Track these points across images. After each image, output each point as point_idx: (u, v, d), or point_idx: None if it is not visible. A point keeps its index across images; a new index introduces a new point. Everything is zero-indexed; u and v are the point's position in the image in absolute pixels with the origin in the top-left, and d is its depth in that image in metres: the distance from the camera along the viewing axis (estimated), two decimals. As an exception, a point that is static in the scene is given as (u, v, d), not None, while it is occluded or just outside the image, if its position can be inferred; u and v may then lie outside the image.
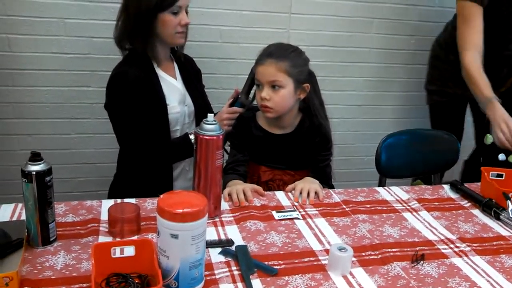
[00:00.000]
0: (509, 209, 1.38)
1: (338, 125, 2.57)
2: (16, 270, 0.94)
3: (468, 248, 1.24)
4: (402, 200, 1.50)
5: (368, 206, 1.45)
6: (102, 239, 1.16)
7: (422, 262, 1.16)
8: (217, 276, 1.04)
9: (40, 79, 2.19)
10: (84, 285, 0.98)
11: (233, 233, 1.23)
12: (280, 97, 1.54)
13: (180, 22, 1.66)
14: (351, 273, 1.09)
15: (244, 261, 1.09)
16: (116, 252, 1.00)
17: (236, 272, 1.06)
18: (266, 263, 1.10)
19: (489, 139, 1.79)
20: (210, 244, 1.15)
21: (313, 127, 1.64)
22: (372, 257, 1.17)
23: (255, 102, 1.65)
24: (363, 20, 2.50)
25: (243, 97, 1.68)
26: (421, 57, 2.42)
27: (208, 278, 1.03)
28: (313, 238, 1.24)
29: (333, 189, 1.56)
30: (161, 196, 0.98)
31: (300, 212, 1.37)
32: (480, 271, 1.14)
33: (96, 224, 1.21)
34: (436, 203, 1.50)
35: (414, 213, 1.42)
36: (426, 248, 1.22)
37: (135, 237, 1.17)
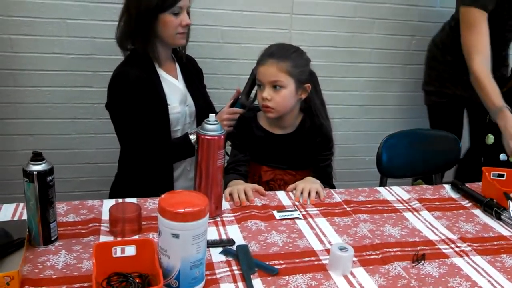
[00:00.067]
0: (510, 209, 1.38)
1: (339, 125, 2.57)
2: (17, 270, 0.94)
3: (469, 248, 1.24)
4: (403, 200, 1.50)
5: (369, 206, 1.45)
6: (103, 238, 1.16)
7: (423, 262, 1.16)
8: (218, 276, 1.05)
9: (42, 79, 2.20)
10: (85, 284, 0.99)
11: (234, 233, 1.23)
12: (282, 97, 1.54)
13: (181, 23, 1.66)
14: (352, 273, 1.09)
15: (245, 261, 1.10)
16: (117, 252, 1.00)
17: (237, 272, 1.06)
18: (267, 262, 1.10)
19: (490, 139, 1.79)
20: (211, 244, 1.15)
21: (314, 127, 1.64)
22: (373, 256, 1.17)
23: (256, 103, 1.66)
24: (364, 21, 2.50)
25: (244, 98, 1.69)
26: (422, 58, 2.41)
27: (209, 277, 1.03)
28: (314, 237, 1.24)
29: (334, 189, 1.56)
30: (162, 195, 0.98)
31: (301, 212, 1.37)
32: (481, 271, 1.14)
33: (97, 224, 1.22)
34: (437, 203, 1.50)
35: (415, 213, 1.42)
36: (427, 248, 1.22)
37: (136, 237, 1.18)
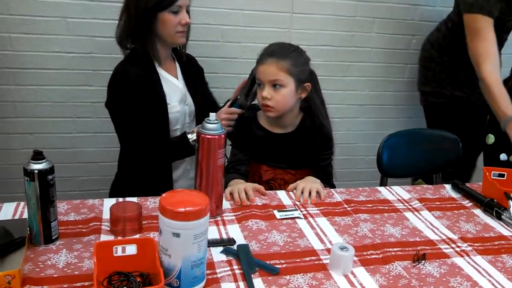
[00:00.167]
0: (511, 209, 1.38)
1: (339, 125, 2.57)
2: (19, 269, 0.94)
3: (469, 248, 1.24)
4: (404, 200, 1.50)
5: (370, 205, 1.45)
6: (104, 237, 1.16)
7: (423, 261, 1.16)
8: (219, 275, 1.05)
9: (42, 78, 2.20)
10: (86, 283, 0.99)
11: (235, 232, 1.23)
12: (281, 96, 1.54)
13: (180, 21, 1.66)
14: (352, 273, 1.09)
15: (246, 260, 1.10)
16: (118, 251, 1.00)
17: (237, 271, 1.07)
18: (268, 262, 1.11)
19: (490, 138, 1.79)
20: (212, 243, 1.15)
21: (314, 126, 1.64)
22: (373, 256, 1.17)
23: (255, 102, 1.66)
24: (364, 20, 2.50)
25: (242, 98, 1.69)
26: (422, 57, 2.42)
27: (210, 277, 1.03)
28: (315, 237, 1.24)
29: (334, 189, 1.56)
30: (163, 194, 0.98)
31: (301, 211, 1.37)
32: (481, 270, 1.14)
33: (98, 223, 1.22)
34: (438, 203, 1.50)
35: (416, 213, 1.42)
36: (427, 247, 1.22)
37: (137, 236, 1.18)
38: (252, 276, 1.05)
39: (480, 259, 1.19)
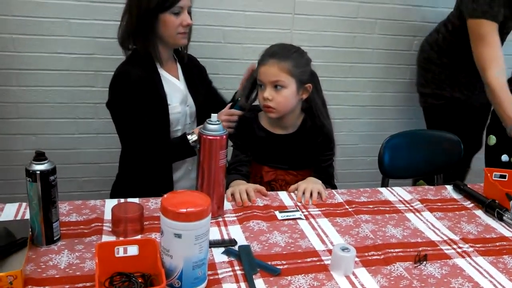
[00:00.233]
0: (512, 210, 1.38)
1: (341, 126, 2.57)
2: (20, 269, 0.95)
3: (471, 249, 1.24)
4: (405, 201, 1.50)
5: (371, 206, 1.45)
6: (106, 238, 1.16)
7: (425, 262, 1.16)
8: (220, 276, 1.05)
9: (44, 79, 2.20)
10: (88, 284, 0.99)
11: (236, 233, 1.23)
12: (283, 97, 1.54)
13: (181, 22, 1.66)
14: (354, 273, 1.09)
15: (247, 261, 1.10)
16: (120, 252, 1.00)
17: (239, 272, 1.07)
18: (269, 263, 1.11)
19: (492, 140, 1.79)
20: (213, 244, 1.15)
21: (316, 127, 1.64)
22: (375, 257, 1.17)
23: (257, 102, 1.66)
24: (366, 21, 2.50)
25: (243, 100, 1.69)
26: (424, 58, 2.42)
27: (211, 277, 1.04)
28: (316, 238, 1.24)
29: (336, 190, 1.57)
30: (165, 195, 0.98)
31: (303, 212, 1.37)
32: (483, 271, 1.14)
33: (99, 224, 1.22)
34: (439, 204, 1.50)
35: (417, 214, 1.42)
36: (429, 248, 1.22)
37: (139, 237, 1.18)
38: (254, 277, 1.05)
39: (482, 260, 1.19)
